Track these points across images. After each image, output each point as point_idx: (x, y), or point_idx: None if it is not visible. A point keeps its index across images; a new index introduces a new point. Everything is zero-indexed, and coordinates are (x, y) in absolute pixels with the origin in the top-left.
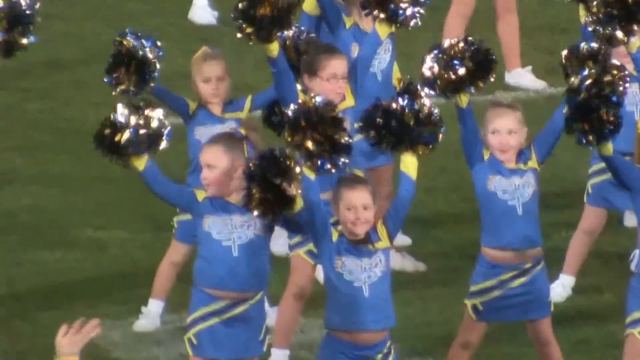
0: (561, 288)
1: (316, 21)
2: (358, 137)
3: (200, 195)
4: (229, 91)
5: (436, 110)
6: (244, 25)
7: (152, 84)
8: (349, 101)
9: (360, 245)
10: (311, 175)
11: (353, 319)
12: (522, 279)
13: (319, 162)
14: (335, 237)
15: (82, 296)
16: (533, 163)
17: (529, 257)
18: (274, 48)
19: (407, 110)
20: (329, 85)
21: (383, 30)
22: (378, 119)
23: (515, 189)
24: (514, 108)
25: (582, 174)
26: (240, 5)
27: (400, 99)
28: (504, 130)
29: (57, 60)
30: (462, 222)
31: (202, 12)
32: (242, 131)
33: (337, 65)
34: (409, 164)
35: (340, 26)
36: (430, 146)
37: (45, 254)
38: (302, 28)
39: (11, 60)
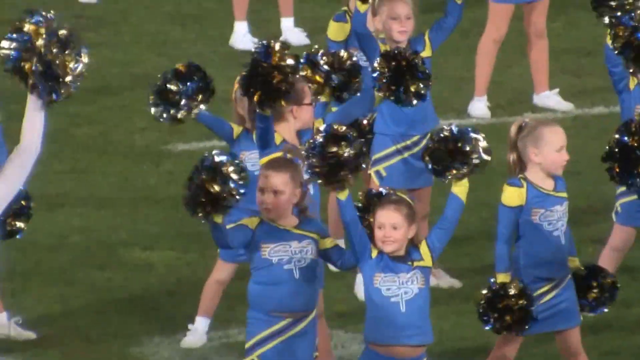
0: None
1: (341, 48)
2: (397, 159)
3: (253, 223)
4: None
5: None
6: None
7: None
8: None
9: (398, 262)
10: (341, 197)
11: (390, 334)
12: (555, 292)
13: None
14: (374, 254)
15: (131, 314)
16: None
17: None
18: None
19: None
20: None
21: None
22: (443, 151)
23: (558, 219)
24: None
25: (608, 191)
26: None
27: (455, 129)
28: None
29: (104, 86)
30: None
31: (242, 38)
32: (289, 155)
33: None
34: (463, 187)
35: (376, 55)
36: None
37: (95, 273)
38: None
39: None
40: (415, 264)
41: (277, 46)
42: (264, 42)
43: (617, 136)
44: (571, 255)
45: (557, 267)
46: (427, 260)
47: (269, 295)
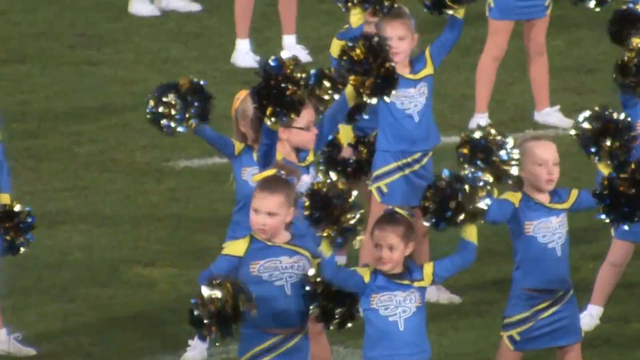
0: (589, 318)
1: None
2: (398, 176)
3: (241, 250)
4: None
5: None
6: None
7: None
8: (311, 157)
9: (393, 280)
10: (326, 253)
11: (389, 352)
12: (555, 307)
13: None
14: (367, 278)
15: (132, 330)
16: (566, 204)
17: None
18: None
19: (471, 187)
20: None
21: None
22: (449, 200)
23: (554, 231)
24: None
25: None
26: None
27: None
28: (551, 161)
29: (106, 104)
30: (495, 255)
31: (244, 56)
32: (283, 173)
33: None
34: (473, 231)
35: None
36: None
37: (96, 290)
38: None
39: (63, 105)
40: (415, 283)
41: (289, 60)
42: (277, 55)
43: (609, 178)
44: None
45: (555, 280)
46: (427, 281)
47: (260, 312)
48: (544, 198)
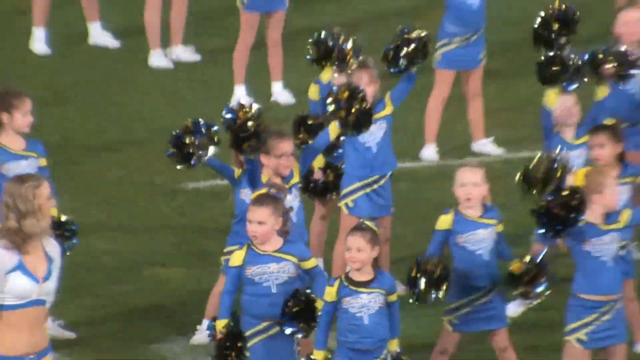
0: (517, 306)
1: (318, 105)
2: (361, 194)
3: (239, 259)
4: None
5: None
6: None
7: None
8: (296, 178)
9: (359, 287)
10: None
11: (355, 339)
12: (485, 298)
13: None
14: (336, 287)
15: (152, 319)
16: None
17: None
18: None
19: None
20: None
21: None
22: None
23: (482, 241)
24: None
25: (530, 221)
26: None
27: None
28: (470, 183)
29: (130, 137)
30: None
31: (241, 99)
32: (273, 191)
33: (284, 146)
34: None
35: None
36: None
37: (122, 287)
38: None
39: (96, 138)
40: (380, 290)
41: (242, 107)
42: (230, 107)
43: (545, 201)
44: (509, 260)
45: (482, 278)
46: (393, 297)
47: (252, 305)
48: (474, 213)
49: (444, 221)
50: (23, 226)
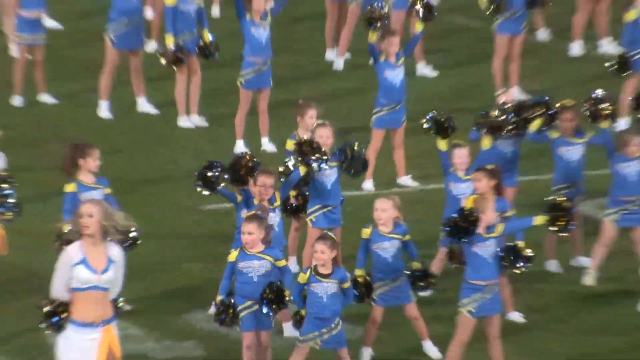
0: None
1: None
2: (320, 213)
3: (234, 256)
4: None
5: None
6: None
7: None
8: (278, 202)
9: (321, 277)
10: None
11: (317, 310)
12: (392, 285)
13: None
14: (307, 275)
15: (183, 298)
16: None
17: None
18: None
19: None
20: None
21: None
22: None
23: (388, 249)
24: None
25: (438, 234)
26: None
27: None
28: (379, 210)
29: (165, 176)
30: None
31: (242, 150)
32: (259, 212)
33: (264, 180)
34: None
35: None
36: None
37: (160, 276)
38: None
39: (143, 180)
40: (335, 280)
41: (244, 155)
42: (236, 154)
43: (452, 218)
44: (414, 261)
45: (389, 273)
46: (347, 284)
47: (241, 288)
48: (384, 229)
49: (365, 233)
50: (97, 232)
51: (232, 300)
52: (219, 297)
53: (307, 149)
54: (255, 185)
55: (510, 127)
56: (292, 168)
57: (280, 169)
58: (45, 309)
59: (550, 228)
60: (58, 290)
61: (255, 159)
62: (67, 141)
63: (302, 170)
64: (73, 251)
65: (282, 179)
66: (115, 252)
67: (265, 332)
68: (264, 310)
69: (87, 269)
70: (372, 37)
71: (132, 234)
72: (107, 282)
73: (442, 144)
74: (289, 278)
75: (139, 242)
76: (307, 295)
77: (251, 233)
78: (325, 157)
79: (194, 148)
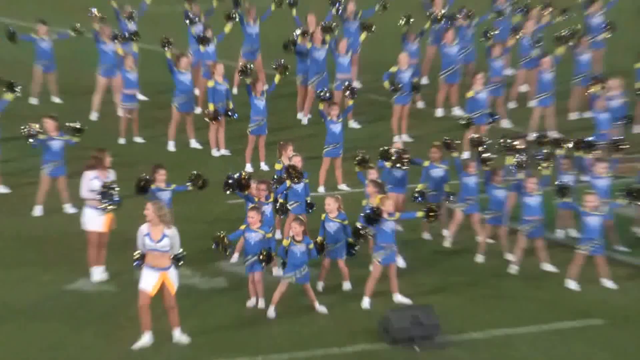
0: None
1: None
2: (296, 205)
3: (242, 228)
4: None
5: None
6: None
7: None
8: (271, 199)
9: (297, 243)
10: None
11: (293, 262)
12: (335, 246)
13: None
14: (288, 242)
15: (217, 254)
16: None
17: None
18: None
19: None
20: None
21: None
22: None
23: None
24: None
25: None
26: None
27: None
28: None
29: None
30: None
31: (249, 169)
32: (257, 205)
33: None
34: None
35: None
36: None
37: (201, 241)
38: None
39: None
40: (304, 244)
41: (244, 174)
42: (239, 172)
43: (368, 212)
44: (348, 236)
45: (334, 241)
46: (310, 246)
47: (246, 248)
48: (332, 215)
49: (322, 217)
50: (158, 220)
51: (228, 237)
52: (224, 235)
53: (292, 171)
54: (255, 189)
55: (399, 159)
56: (282, 181)
57: (275, 180)
58: (135, 256)
59: (425, 220)
60: (139, 248)
61: (248, 176)
62: (151, 164)
63: (288, 183)
64: (144, 228)
65: (275, 187)
66: (171, 231)
67: (259, 273)
68: (260, 263)
69: (149, 239)
70: (321, 105)
71: (179, 256)
72: (162, 247)
73: (358, 168)
74: (273, 244)
75: (182, 262)
76: (288, 252)
77: (252, 217)
78: (301, 176)
79: (221, 168)
